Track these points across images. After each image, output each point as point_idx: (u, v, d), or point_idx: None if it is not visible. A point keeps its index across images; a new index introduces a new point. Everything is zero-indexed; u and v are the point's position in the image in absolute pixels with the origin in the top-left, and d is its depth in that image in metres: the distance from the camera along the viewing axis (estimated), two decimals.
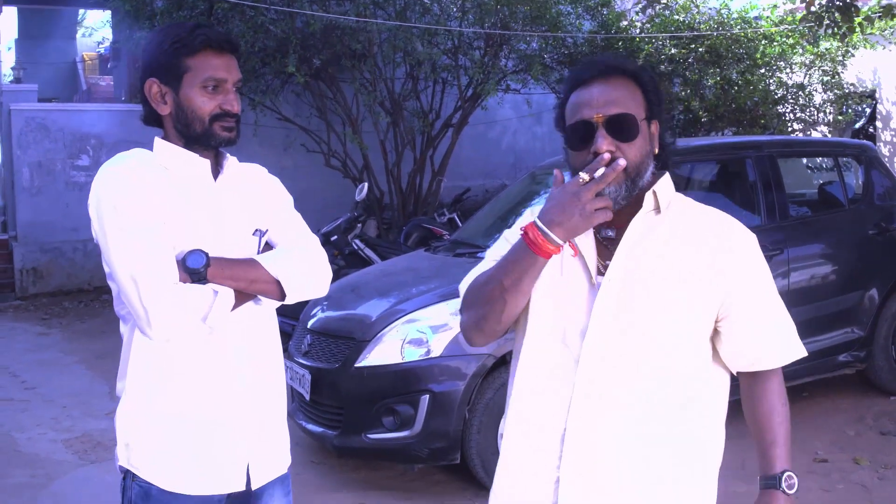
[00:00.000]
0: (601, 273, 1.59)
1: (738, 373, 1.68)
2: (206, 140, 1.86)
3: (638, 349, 1.56)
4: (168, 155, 1.88)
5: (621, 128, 1.55)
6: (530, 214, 1.69)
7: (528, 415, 1.62)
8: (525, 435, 1.62)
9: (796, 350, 1.68)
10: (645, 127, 1.59)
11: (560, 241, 1.48)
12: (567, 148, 1.63)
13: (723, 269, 1.59)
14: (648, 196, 1.61)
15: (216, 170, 1.94)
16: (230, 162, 1.97)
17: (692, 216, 1.66)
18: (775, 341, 1.66)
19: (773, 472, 1.63)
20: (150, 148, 1.91)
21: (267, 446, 1.95)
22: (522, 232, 1.51)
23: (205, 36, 1.82)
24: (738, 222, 1.68)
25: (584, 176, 1.48)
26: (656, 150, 1.63)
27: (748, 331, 1.62)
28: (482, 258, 1.75)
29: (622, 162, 1.49)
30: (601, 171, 1.48)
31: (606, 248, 1.61)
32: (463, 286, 1.69)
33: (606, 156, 1.50)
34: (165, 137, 1.90)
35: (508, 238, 1.70)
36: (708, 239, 1.62)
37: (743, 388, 1.71)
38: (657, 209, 1.63)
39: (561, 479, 1.55)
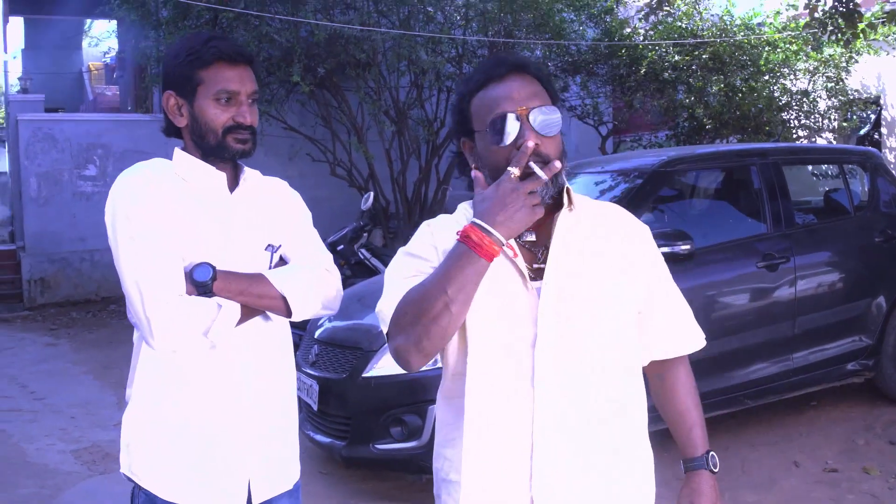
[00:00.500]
0: (532, 278, 1.56)
1: (649, 362, 1.70)
2: (220, 152, 1.87)
3: (593, 352, 1.55)
4: (186, 166, 1.89)
5: (548, 120, 1.51)
6: (427, 227, 1.64)
7: (490, 433, 1.56)
8: (490, 454, 1.56)
9: (701, 335, 1.75)
10: None
11: (504, 240, 1.44)
12: (484, 146, 1.55)
13: (635, 261, 1.62)
14: (563, 194, 1.59)
15: (233, 182, 1.94)
16: (248, 175, 1.97)
17: (596, 212, 1.66)
18: (686, 328, 1.72)
19: (699, 454, 1.70)
20: (161, 157, 1.93)
21: (271, 463, 1.94)
22: (461, 236, 1.45)
23: (217, 48, 1.83)
24: (632, 214, 1.71)
25: (514, 171, 1.44)
26: None
27: (664, 319, 1.68)
28: None
29: (558, 164, 1.46)
30: (534, 166, 1.44)
31: (529, 251, 1.59)
32: (386, 309, 1.54)
33: (531, 143, 1.45)
34: (185, 149, 1.92)
35: (416, 253, 1.60)
36: (616, 233, 1.63)
37: (652, 378, 1.75)
38: (570, 206, 1.61)
39: (535, 498, 1.53)
